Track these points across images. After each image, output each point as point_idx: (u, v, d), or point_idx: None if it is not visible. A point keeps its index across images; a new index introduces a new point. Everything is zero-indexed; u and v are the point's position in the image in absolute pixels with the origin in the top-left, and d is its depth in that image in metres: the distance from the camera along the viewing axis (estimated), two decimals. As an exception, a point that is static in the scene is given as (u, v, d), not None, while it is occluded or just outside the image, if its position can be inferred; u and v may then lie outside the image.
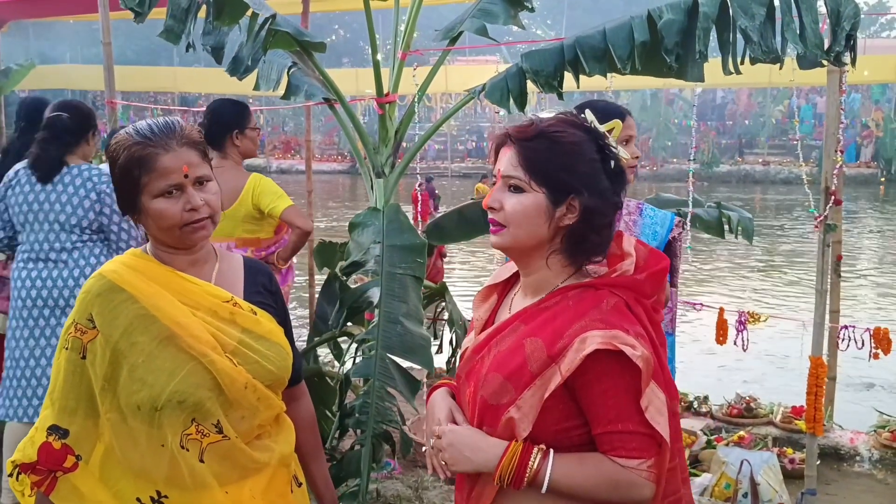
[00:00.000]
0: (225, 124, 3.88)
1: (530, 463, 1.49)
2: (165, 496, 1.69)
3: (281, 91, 4.06)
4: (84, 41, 29.23)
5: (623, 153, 1.61)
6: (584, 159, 1.56)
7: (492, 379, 1.56)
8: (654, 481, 1.49)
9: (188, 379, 1.67)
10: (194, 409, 1.68)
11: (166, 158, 1.68)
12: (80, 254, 3.55)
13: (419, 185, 6.10)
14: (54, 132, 3.61)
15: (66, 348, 1.72)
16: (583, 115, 1.63)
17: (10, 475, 1.76)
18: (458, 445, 1.56)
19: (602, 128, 1.61)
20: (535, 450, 1.50)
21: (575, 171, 1.55)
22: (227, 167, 3.86)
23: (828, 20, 3.15)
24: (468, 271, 11.86)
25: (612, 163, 1.59)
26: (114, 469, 1.71)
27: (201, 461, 1.69)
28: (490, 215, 1.62)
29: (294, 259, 4.15)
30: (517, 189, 1.57)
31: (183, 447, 1.68)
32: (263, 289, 1.90)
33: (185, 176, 1.69)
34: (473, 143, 32.61)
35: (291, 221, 3.80)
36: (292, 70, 4.01)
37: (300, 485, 1.93)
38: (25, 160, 3.66)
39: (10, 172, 3.68)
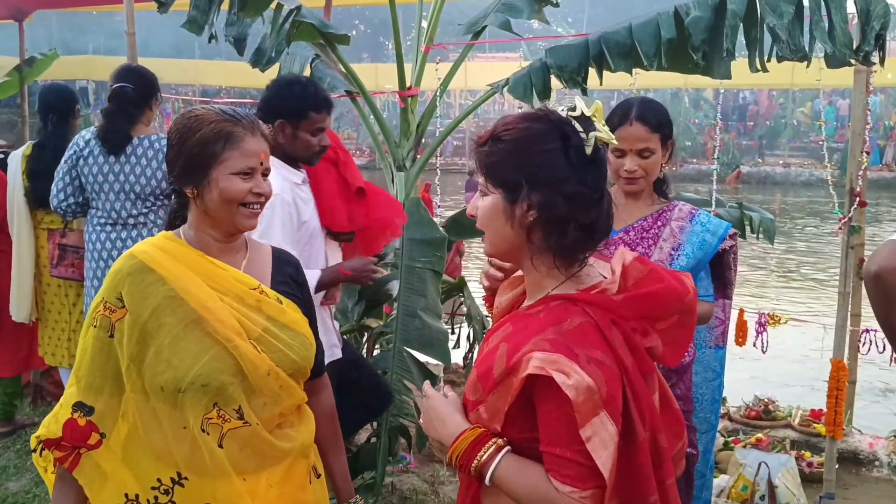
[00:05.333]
0: None
1: (480, 453, 1.47)
2: (185, 478, 1.71)
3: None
4: (108, 32, 29.34)
5: (605, 134, 1.50)
6: (535, 151, 1.50)
7: (472, 374, 1.57)
8: None
9: (212, 363, 1.69)
10: (217, 394, 1.70)
11: (252, 141, 1.77)
12: (149, 219, 3.70)
13: (428, 188, 6.06)
14: (119, 105, 3.66)
15: (94, 326, 1.73)
16: (564, 104, 1.55)
17: (34, 450, 1.77)
18: (430, 412, 1.60)
19: (588, 111, 1.52)
20: (491, 441, 1.48)
21: (522, 166, 1.50)
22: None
23: (857, 19, 3.12)
24: (485, 268, 11.84)
25: (587, 148, 1.49)
26: (136, 449, 1.73)
27: (220, 446, 1.70)
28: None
29: None
30: (484, 194, 1.57)
31: (204, 431, 1.70)
32: (290, 279, 1.92)
33: (261, 163, 1.78)
34: (491, 140, 32.54)
35: None
36: (315, 62, 4.01)
37: (319, 476, 1.93)
38: (93, 128, 3.73)
39: (80, 141, 3.74)
